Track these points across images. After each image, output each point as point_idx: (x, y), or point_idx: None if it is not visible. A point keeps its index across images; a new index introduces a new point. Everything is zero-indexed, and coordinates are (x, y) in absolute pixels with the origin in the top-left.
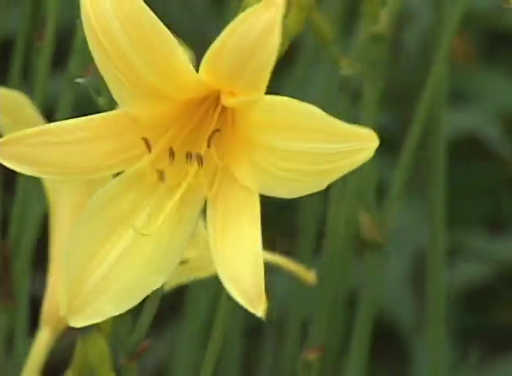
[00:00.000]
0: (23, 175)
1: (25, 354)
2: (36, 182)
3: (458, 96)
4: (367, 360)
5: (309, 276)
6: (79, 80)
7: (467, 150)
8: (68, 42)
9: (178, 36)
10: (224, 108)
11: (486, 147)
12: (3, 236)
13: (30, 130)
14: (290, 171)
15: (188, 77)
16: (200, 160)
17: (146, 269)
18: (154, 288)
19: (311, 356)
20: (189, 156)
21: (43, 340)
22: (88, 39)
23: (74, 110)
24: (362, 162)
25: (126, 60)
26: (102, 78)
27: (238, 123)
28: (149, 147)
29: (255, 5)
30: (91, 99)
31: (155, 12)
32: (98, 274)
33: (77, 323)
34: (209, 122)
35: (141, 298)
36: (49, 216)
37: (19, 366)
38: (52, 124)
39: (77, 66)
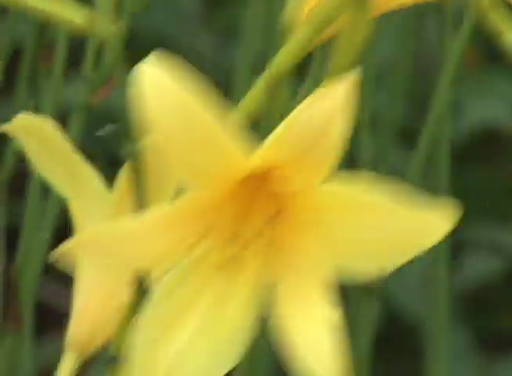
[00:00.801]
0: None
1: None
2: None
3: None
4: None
5: None
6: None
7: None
8: (79, 54)
9: (168, 45)
10: (276, 188)
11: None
12: (9, 260)
13: (103, 227)
14: (357, 253)
15: (239, 162)
16: (265, 241)
17: (216, 353)
18: (224, 372)
19: None
20: (253, 238)
21: (67, 364)
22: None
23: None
24: (431, 245)
25: (182, 150)
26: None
27: (296, 204)
28: (212, 231)
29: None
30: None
31: (145, 22)
32: (167, 362)
33: None
34: (259, 205)
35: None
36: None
37: None
38: (122, 223)
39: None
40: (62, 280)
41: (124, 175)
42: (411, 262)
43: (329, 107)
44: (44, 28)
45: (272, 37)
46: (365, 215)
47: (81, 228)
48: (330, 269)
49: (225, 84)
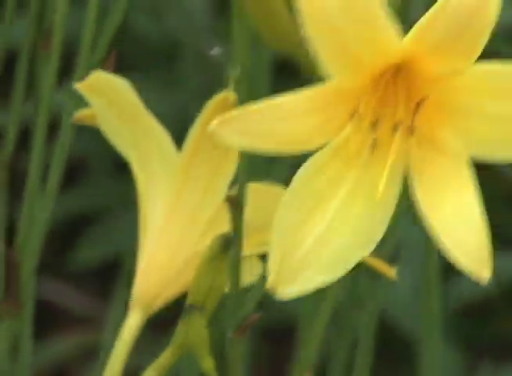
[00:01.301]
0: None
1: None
2: (41, 192)
3: None
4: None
5: (391, 271)
6: None
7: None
8: (74, 52)
9: (178, 50)
10: (415, 76)
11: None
12: (9, 245)
13: (252, 107)
14: (500, 135)
15: (392, 46)
16: (405, 128)
17: (354, 238)
18: (362, 257)
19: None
20: (393, 125)
21: (133, 323)
22: (300, 9)
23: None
24: None
25: (336, 30)
26: None
27: (438, 90)
28: (354, 117)
29: None
30: None
31: (155, 27)
32: (309, 243)
33: (288, 293)
34: (402, 91)
35: (350, 267)
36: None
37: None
38: (270, 102)
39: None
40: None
41: (192, 137)
42: (404, 276)
43: None
44: (39, 27)
45: None
46: (500, 90)
47: (144, 191)
48: (467, 156)
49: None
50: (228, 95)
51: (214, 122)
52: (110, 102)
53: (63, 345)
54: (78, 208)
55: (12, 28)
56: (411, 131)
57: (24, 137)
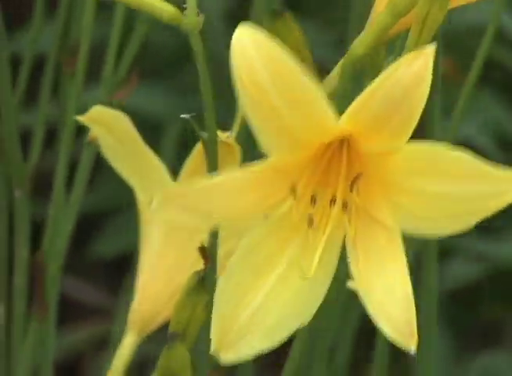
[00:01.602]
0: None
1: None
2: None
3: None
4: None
5: None
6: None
7: None
8: (99, 62)
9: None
10: (354, 152)
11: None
12: (35, 249)
13: (195, 183)
14: (434, 212)
15: (328, 125)
16: (342, 203)
17: (290, 309)
18: (300, 326)
19: None
20: (330, 199)
21: (128, 344)
22: (238, 88)
23: None
24: (509, 203)
25: (273, 110)
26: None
27: (374, 166)
28: (293, 192)
29: (406, 55)
30: None
31: (170, 37)
32: (247, 314)
33: (228, 358)
34: (341, 166)
35: (287, 335)
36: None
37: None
38: (209, 180)
39: (106, 91)
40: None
41: (189, 164)
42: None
43: (413, 74)
44: (65, 35)
45: None
46: (446, 175)
47: (146, 213)
48: (408, 227)
49: None
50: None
51: (156, 200)
52: (111, 132)
53: (76, 335)
54: (92, 208)
55: (40, 37)
56: (348, 205)
57: (50, 139)
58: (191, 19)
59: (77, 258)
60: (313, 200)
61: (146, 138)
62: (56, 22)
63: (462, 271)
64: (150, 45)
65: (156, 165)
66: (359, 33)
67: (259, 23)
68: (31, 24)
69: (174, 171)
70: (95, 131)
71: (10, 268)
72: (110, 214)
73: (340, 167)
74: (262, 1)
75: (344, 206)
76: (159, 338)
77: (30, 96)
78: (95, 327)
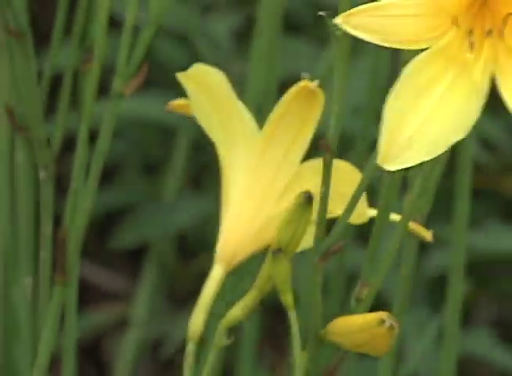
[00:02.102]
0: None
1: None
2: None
3: None
4: None
5: (427, 234)
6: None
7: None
8: (110, 70)
9: None
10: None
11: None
12: (57, 226)
13: (372, 4)
14: None
15: None
16: (495, 34)
17: (452, 124)
18: (456, 141)
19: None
20: (484, 32)
21: (216, 275)
22: None
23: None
24: None
25: None
26: None
27: None
28: (455, 24)
29: None
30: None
31: (182, 50)
32: (412, 127)
33: (393, 167)
34: (491, 12)
35: (446, 149)
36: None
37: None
38: (388, 1)
39: (119, 85)
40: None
41: (271, 120)
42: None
43: None
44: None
45: None
46: None
47: (226, 164)
48: None
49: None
50: (307, 84)
51: (342, 16)
52: (206, 90)
53: (97, 318)
54: (114, 202)
55: (59, 52)
56: (500, 36)
57: (69, 143)
58: None
59: (101, 248)
60: (471, 32)
61: (160, 142)
62: (73, 40)
63: (440, 260)
64: (163, 57)
65: (244, 118)
66: None
67: (262, 41)
68: (51, 42)
69: (188, 170)
70: (190, 89)
71: (36, 244)
72: (131, 209)
73: (489, 10)
74: (266, 24)
75: (496, 37)
76: (173, 319)
77: (51, 106)
78: (114, 310)
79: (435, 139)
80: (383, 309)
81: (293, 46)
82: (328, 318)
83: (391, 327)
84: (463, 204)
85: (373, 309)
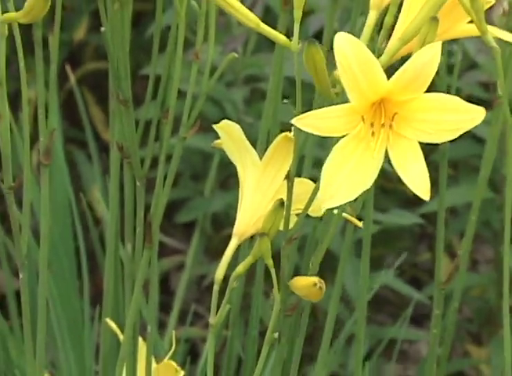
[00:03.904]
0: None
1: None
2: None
3: None
4: None
5: (359, 223)
6: None
7: None
8: (179, 121)
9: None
10: (391, 102)
11: None
12: (147, 213)
13: (314, 111)
14: (430, 130)
15: (383, 86)
16: (387, 125)
17: (361, 179)
18: (367, 187)
19: None
20: (381, 124)
21: (233, 244)
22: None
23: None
24: (470, 127)
25: (357, 80)
26: None
27: (402, 107)
28: (363, 120)
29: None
30: None
31: (216, 109)
32: (337, 182)
33: (327, 206)
34: (381, 110)
35: (358, 194)
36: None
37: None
38: (326, 109)
39: (184, 131)
40: None
41: (268, 154)
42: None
43: (429, 54)
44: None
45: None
46: (435, 107)
47: (243, 178)
48: (418, 138)
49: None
50: (287, 134)
51: (295, 119)
52: (229, 135)
53: (167, 263)
54: (177, 196)
55: (148, 110)
56: (390, 127)
57: (154, 164)
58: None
59: (170, 223)
60: (372, 125)
61: (203, 161)
62: (157, 103)
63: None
64: (208, 113)
65: (252, 155)
66: None
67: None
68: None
69: (219, 178)
70: (220, 134)
71: (134, 223)
72: (187, 200)
73: (385, 108)
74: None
75: (388, 127)
76: (209, 266)
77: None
78: (177, 259)
79: (351, 189)
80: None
81: (285, 108)
82: (292, 275)
83: (320, 288)
84: None
85: (324, 262)
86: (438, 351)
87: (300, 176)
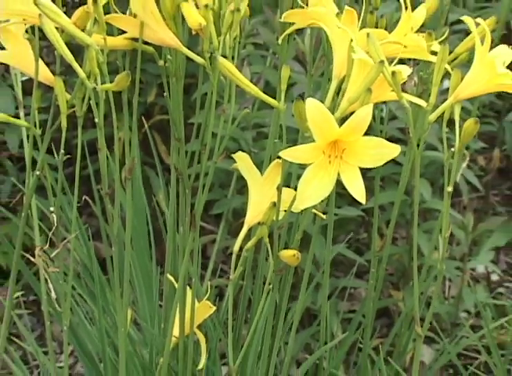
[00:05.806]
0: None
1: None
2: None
3: None
4: None
5: (323, 216)
6: None
7: None
8: (212, 151)
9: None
10: (343, 141)
11: None
12: (192, 208)
13: (297, 146)
14: (366, 159)
15: (335, 133)
16: (339, 156)
17: (321, 192)
18: (324, 197)
19: None
20: (336, 155)
21: (245, 229)
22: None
23: None
24: (391, 158)
25: (321, 131)
26: None
27: (349, 145)
28: (323, 154)
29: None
30: None
31: (234, 144)
32: (307, 192)
33: (301, 207)
34: (335, 147)
35: (319, 201)
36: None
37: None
38: (299, 147)
39: (216, 157)
40: None
41: (265, 176)
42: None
43: (366, 113)
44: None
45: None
46: (370, 145)
47: (250, 190)
48: (359, 166)
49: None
50: (277, 162)
51: (281, 152)
52: (243, 162)
53: (204, 239)
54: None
55: (193, 145)
56: (340, 157)
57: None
58: None
59: (207, 214)
60: (329, 156)
61: (225, 176)
62: (200, 140)
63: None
64: (230, 147)
65: (257, 174)
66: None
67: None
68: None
69: (236, 187)
70: (238, 161)
71: (185, 216)
72: (217, 200)
73: (337, 146)
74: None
75: (339, 158)
76: (231, 242)
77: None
78: (211, 237)
79: (317, 196)
80: (306, 239)
81: (277, 144)
82: (282, 248)
83: (298, 257)
84: None
85: (302, 240)
86: (373, 294)
87: (288, 187)
